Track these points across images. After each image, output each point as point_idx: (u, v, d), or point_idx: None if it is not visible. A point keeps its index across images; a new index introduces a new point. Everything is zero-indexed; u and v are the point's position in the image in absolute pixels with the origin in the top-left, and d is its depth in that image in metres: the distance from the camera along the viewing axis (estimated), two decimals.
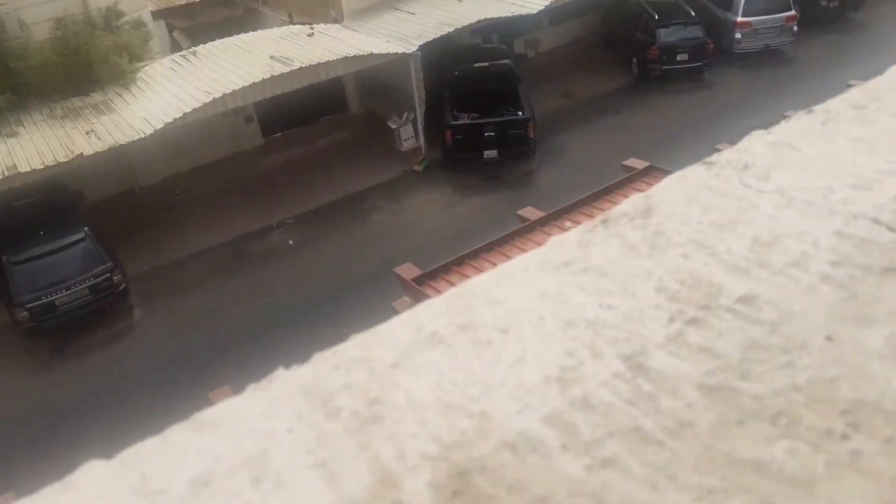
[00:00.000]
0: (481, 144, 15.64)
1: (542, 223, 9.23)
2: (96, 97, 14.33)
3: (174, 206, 15.39)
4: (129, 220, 14.77)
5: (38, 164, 12.19)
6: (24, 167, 12.14)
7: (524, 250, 0.86)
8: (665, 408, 0.61)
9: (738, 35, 19.35)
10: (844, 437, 0.57)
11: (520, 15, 16.68)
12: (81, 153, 12.44)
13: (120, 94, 14.30)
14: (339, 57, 14.60)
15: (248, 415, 0.67)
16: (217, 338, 12.06)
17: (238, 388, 0.72)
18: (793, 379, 0.62)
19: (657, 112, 17.74)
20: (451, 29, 15.96)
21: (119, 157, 13.98)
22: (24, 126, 13.56)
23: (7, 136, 13.18)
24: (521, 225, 9.47)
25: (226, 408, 0.69)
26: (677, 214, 0.83)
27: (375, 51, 15.08)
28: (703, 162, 0.91)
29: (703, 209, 0.83)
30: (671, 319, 0.69)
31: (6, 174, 12.04)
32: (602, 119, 17.67)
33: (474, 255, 8.82)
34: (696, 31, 18.59)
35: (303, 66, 14.16)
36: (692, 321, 0.69)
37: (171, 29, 19.69)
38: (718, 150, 0.96)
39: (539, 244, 0.85)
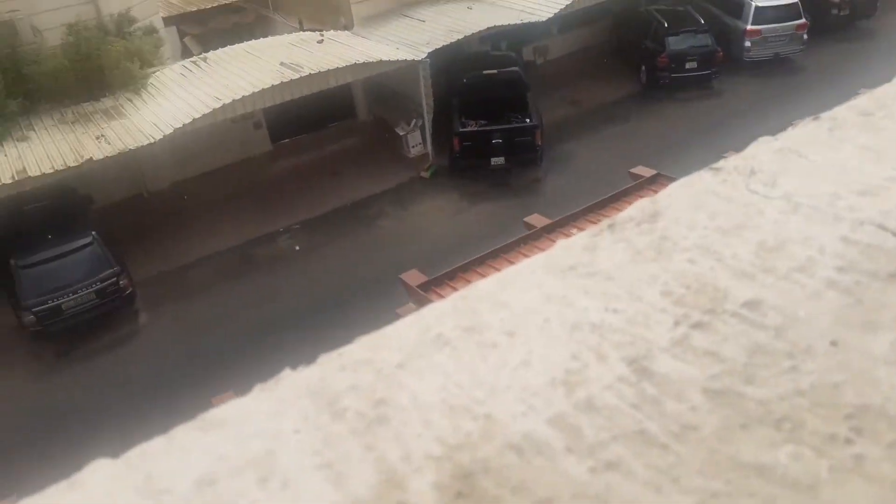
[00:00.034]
0: (489, 151, 15.66)
1: (549, 230, 9.22)
2: (107, 102, 14.44)
3: (182, 211, 15.46)
4: (137, 224, 14.85)
5: (48, 169, 12.28)
6: (34, 171, 12.23)
7: (530, 258, 0.86)
8: (669, 411, 0.62)
9: (747, 43, 19.32)
10: (848, 441, 0.57)
11: (529, 22, 16.71)
12: (91, 158, 12.52)
13: (130, 100, 14.40)
14: (348, 64, 14.67)
15: (254, 415, 0.68)
16: (223, 342, 12.09)
17: (242, 393, 0.72)
18: (797, 384, 0.62)
19: (665, 120, 17.72)
20: (461, 36, 16.00)
21: (128, 162, 14.07)
22: (34, 130, 13.67)
23: (18, 141, 13.28)
24: (528, 232, 9.47)
25: (232, 408, 0.69)
26: (684, 219, 0.83)
27: (385, 58, 15.14)
28: (710, 168, 0.91)
29: (709, 214, 0.83)
30: (676, 323, 0.69)
31: (16, 178, 12.13)
32: (610, 127, 17.67)
33: (480, 262, 8.83)
34: (705, 39, 18.58)
35: (312, 72, 14.23)
36: (697, 325, 0.69)
37: (182, 35, 19.82)
38: (726, 158, 0.96)
39: (545, 251, 0.85)
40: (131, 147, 12.79)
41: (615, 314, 0.72)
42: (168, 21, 18.44)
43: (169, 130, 12.93)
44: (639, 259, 0.79)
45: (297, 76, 14.07)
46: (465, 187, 15.98)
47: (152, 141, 12.87)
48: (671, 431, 0.60)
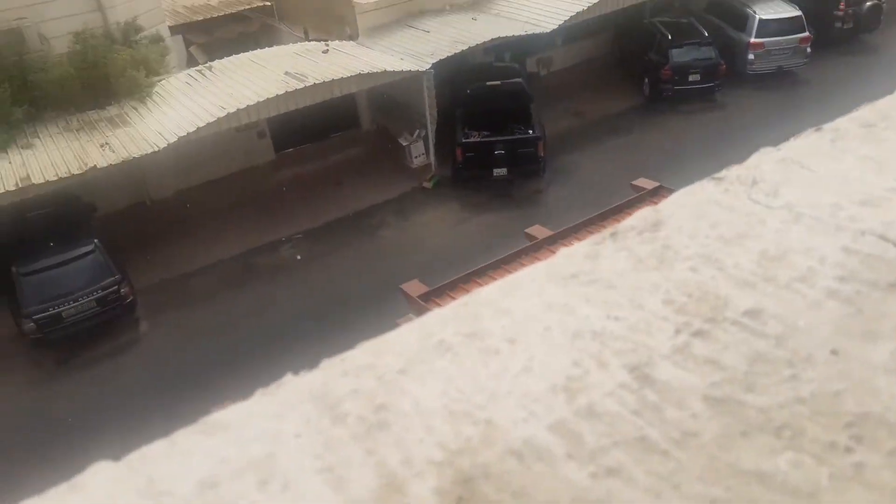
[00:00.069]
0: (491, 162, 15.69)
1: (550, 242, 9.23)
2: (112, 110, 14.50)
3: (185, 220, 15.49)
4: (139, 232, 14.87)
5: (51, 176, 12.31)
6: (37, 179, 12.26)
7: (531, 266, 0.87)
8: (670, 418, 0.62)
9: (751, 56, 19.37)
10: (848, 449, 0.57)
11: (533, 34, 16.78)
12: (95, 166, 12.56)
13: (135, 108, 14.46)
14: (352, 74, 14.72)
15: (255, 419, 0.68)
16: (223, 351, 12.08)
17: (244, 398, 0.73)
18: (797, 392, 0.62)
19: (668, 132, 17.74)
20: (465, 47, 16.07)
21: (132, 170, 14.11)
22: (39, 138, 13.72)
23: (23, 148, 13.33)
24: (529, 243, 9.47)
25: (233, 412, 0.70)
26: (686, 228, 0.83)
27: (389, 68, 15.20)
28: (712, 177, 0.92)
29: (711, 224, 0.83)
30: (677, 331, 0.70)
31: (20, 185, 12.16)
32: (613, 139, 17.69)
33: (481, 272, 8.83)
34: (708, 52, 18.63)
35: (317, 82, 14.28)
36: (698, 333, 0.69)
37: (188, 44, 19.92)
38: (728, 169, 0.97)
39: (547, 259, 0.85)
40: (135, 155, 12.83)
41: (617, 322, 0.72)
42: (174, 30, 18.54)
43: (173, 139, 12.97)
44: (640, 267, 0.79)
45: (301, 86, 14.12)
46: (468, 198, 16.00)
47: (156, 149, 12.91)
48: (672, 438, 0.60)
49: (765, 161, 0.92)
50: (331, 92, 14.80)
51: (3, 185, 12.13)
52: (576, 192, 15.24)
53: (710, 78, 18.59)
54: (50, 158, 12.90)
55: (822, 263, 0.74)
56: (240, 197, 16.07)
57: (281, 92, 13.96)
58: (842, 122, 0.99)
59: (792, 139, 0.97)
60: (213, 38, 19.78)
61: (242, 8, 20.52)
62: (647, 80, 19.20)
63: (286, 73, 14.66)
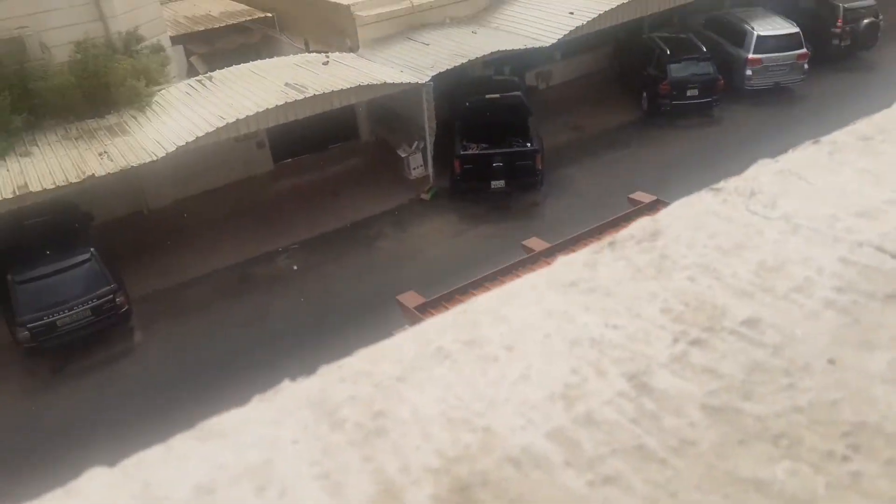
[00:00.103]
0: (489, 174, 15.73)
1: (547, 254, 9.23)
2: (111, 119, 14.52)
3: (182, 229, 15.48)
4: (136, 241, 14.85)
5: (49, 184, 12.30)
6: (35, 187, 12.25)
7: (530, 274, 0.87)
8: (668, 426, 0.62)
9: (748, 72, 19.49)
10: (845, 458, 0.57)
11: (532, 48, 16.87)
12: (93, 174, 12.56)
13: (135, 117, 14.49)
14: (352, 85, 14.77)
15: (252, 425, 0.68)
16: (218, 361, 12.03)
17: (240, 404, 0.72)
18: (795, 401, 0.62)
19: (666, 147, 17.81)
20: (465, 60, 16.14)
21: (130, 179, 14.12)
22: (38, 146, 13.73)
23: (21, 156, 13.33)
24: (526, 255, 9.48)
25: (230, 418, 0.69)
26: (684, 238, 0.84)
27: (389, 80, 15.26)
28: (711, 188, 0.92)
29: (709, 234, 0.84)
30: (675, 340, 0.70)
31: (17, 193, 12.15)
32: (611, 152, 17.75)
33: (477, 284, 8.83)
34: (707, 67, 18.74)
35: (317, 93, 14.32)
36: (696, 342, 0.69)
37: (189, 54, 20.00)
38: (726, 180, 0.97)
39: (546, 267, 0.85)
40: (133, 164, 12.84)
41: (615, 330, 0.72)
42: (175, 40, 18.61)
43: (172, 148, 12.99)
44: (639, 276, 0.79)
45: (301, 97, 14.16)
46: (465, 210, 16.02)
47: (155, 158, 12.91)
48: (670, 446, 0.60)
49: (763, 173, 0.93)
50: (330, 103, 14.84)
51: (1, 193, 12.12)
52: (573, 205, 15.27)
53: (708, 93, 18.69)
54: (48, 167, 12.90)
55: (820, 274, 0.75)
56: (237, 207, 16.08)
57: (280, 103, 13.99)
58: (839, 135, 0.99)
59: (790, 151, 0.98)
60: (214, 49, 19.86)
61: (244, 19, 20.62)
62: (645, 94, 19.29)
63: (286, 84, 14.71)
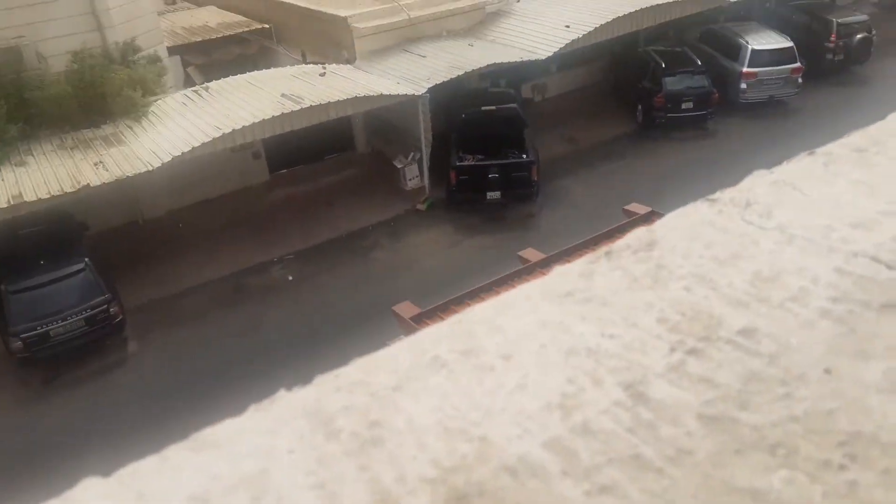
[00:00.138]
0: (485, 185, 15.78)
1: (543, 265, 9.24)
2: (107, 129, 14.51)
3: (177, 239, 15.46)
4: (131, 251, 14.82)
5: (44, 194, 12.27)
6: (30, 196, 12.22)
7: (526, 284, 0.87)
8: (665, 436, 0.62)
9: (743, 85, 19.62)
10: (842, 467, 0.57)
11: (528, 60, 16.95)
12: (88, 184, 12.53)
13: (131, 127, 14.48)
14: (349, 97, 14.81)
15: (248, 435, 0.68)
16: (212, 371, 11.98)
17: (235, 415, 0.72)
18: (791, 410, 0.62)
19: (661, 159, 17.88)
20: (461, 72, 16.21)
21: (125, 189, 14.10)
22: (33, 156, 13.71)
23: (16, 166, 13.31)
24: (522, 266, 9.49)
25: (225, 428, 0.69)
26: (680, 248, 0.84)
27: (385, 92, 15.30)
28: (706, 199, 0.93)
29: (705, 244, 0.84)
30: (672, 350, 0.70)
31: (12, 203, 12.11)
32: (606, 164, 17.82)
33: (473, 294, 8.82)
34: (701, 81, 18.86)
35: (313, 104, 14.35)
36: (692, 352, 0.69)
37: (186, 64, 20.04)
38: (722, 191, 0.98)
39: (541, 278, 0.86)
40: (129, 174, 12.82)
41: (611, 340, 0.72)
42: (172, 51, 18.65)
43: (168, 158, 12.98)
44: (635, 286, 0.79)
45: (297, 107, 14.19)
46: (461, 220, 16.05)
47: (150, 168, 12.90)
48: (666, 456, 0.60)
49: (758, 183, 0.93)
50: (326, 114, 14.87)
51: None
52: (569, 217, 15.31)
53: (702, 106, 18.80)
54: (43, 176, 12.88)
55: (815, 284, 0.75)
56: (233, 217, 16.07)
57: (277, 113, 14.01)
58: (834, 147, 1.00)
59: (785, 163, 0.98)
60: (210, 60, 19.90)
61: (241, 30, 20.68)
62: (640, 107, 19.39)
63: (283, 95, 14.73)
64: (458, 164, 15.89)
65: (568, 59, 19.13)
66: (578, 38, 17.13)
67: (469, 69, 16.38)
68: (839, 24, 21.27)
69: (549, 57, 17.02)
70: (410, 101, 15.68)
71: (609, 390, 0.67)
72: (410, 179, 17.08)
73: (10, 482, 9.90)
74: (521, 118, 16.86)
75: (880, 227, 0.81)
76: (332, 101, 14.62)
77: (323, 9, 18.49)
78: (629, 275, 0.81)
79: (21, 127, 13.96)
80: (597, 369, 0.69)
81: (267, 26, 20.65)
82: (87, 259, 12.68)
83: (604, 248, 0.86)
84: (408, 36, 18.07)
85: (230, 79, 16.14)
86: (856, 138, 1.01)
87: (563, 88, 21.37)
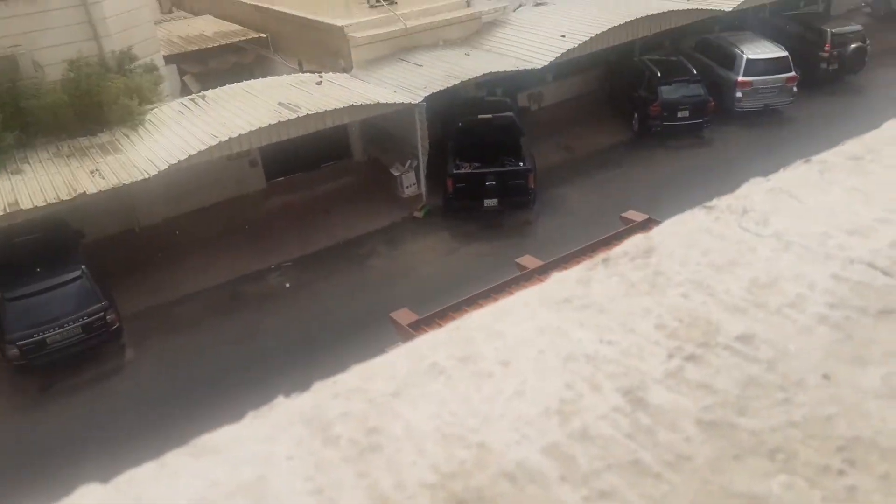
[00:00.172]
0: (482, 193, 15.81)
1: (540, 272, 9.25)
2: (104, 137, 14.51)
3: (173, 247, 15.44)
4: (127, 259, 14.80)
5: (40, 202, 12.27)
6: (26, 204, 12.21)
7: (524, 290, 0.87)
8: (663, 441, 0.62)
9: (738, 94, 19.72)
10: (841, 473, 0.57)
11: (525, 69, 17.01)
12: (84, 192, 12.53)
13: (127, 135, 14.48)
14: (345, 105, 14.84)
15: (246, 441, 0.67)
16: (211, 377, 11.96)
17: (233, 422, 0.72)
18: (790, 415, 0.62)
19: (657, 167, 17.94)
20: (457, 81, 16.26)
21: (122, 197, 14.09)
22: (29, 164, 13.70)
23: (12, 174, 13.30)
24: (519, 273, 9.49)
25: (224, 434, 0.69)
26: (677, 255, 0.84)
27: (382, 100, 15.34)
28: (703, 206, 0.93)
29: (702, 251, 0.84)
30: (670, 356, 0.70)
31: (7, 210, 12.10)
32: (602, 172, 17.87)
33: (471, 301, 8.83)
34: (697, 89, 18.96)
35: (310, 112, 14.37)
36: (691, 357, 0.69)
37: (182, 73, 20.07)
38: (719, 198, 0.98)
39: (539, 284, 0.86)
40: (125, 182, 12.81)
41: (609, 346, 0.72)
42: (169, 59, 18.67)
43: (164, 166, 12.98)
44: (633, 293, 0.79)
45: (294, 116, 14.21)
46: (458, 228, 16.06)
47: (147, 177, 12.90)
48: (665, 461, 0.60)
49: (755, 191, 0.94)
50: (323, 122, 14.89)
51: None
52: (565, 224, 15.33)
53: (698, 114, 18.88)
54: (39, 184, 12.87)
55: (812, 290, 0.75)
56: (229, 225, 16.06)
57: (273, 122, 14.03)
58: (829, 155, 1.01)
59: (781, 170, 0.99)
60: (207, 69, 19.93)
61: (237, 39, 20.72)
62: (636, 115, 19.47)
63: (279, 104, 14.76)
64: (455, 171, 15.92)
65: (564, 68, 19.21)
66: (574, 48, 17.20)
67: (465, 78, 16.43)
68: (833, 34, 21.41)
69: (545, 66, 17.09)
70: (407, 109, 15.72)
71: (607, 396, 0.67)
72: (407, 187, 17.11)
73: (8, 490, 9.84)
74: (518, 126, 16.90)
75: (876, 234, 0.82)
76: (328, 109, 14.64)
77: (320, 18, 18.54)
78: (627, 281, 0.81)
79: (17, 135, 13.96)
80: (595, 375, 0.69)
81: (263, 35, 20.69)
82: (83, 266, 12.67)
83: (601, 255, 0.86)
84: (404, 45, 18.13)
85: (227, 87, 16.17)
86: (851, 146, 1.02)
87: (560, 97, 21.44)
